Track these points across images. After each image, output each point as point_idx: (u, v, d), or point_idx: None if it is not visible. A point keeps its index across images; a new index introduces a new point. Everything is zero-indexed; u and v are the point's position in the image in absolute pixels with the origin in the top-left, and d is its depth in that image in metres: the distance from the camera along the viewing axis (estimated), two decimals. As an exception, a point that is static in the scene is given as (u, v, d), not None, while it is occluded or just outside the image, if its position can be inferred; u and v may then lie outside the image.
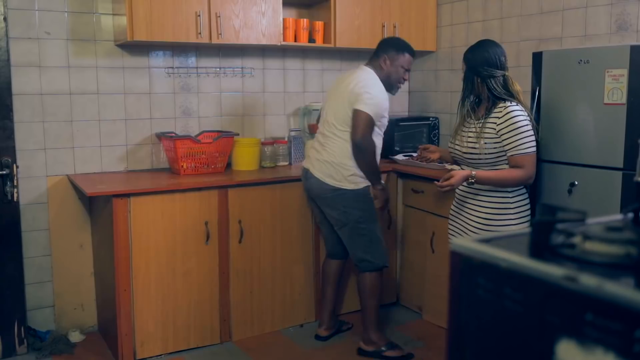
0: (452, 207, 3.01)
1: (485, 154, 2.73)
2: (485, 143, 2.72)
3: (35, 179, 3.51)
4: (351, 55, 4.48)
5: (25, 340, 3.40)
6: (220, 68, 4.02)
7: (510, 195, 2.77)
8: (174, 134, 3.75)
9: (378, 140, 3.24)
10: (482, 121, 2.75)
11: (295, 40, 4.01)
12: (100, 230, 3.48)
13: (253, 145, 3.88)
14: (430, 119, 4.38)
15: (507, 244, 1.15)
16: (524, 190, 2.82)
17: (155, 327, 3.30)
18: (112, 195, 3.13)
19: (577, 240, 1.03)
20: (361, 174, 3.20)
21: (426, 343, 3.53)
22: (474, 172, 2.73)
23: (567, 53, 2.97)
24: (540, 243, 1.04)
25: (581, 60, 2.86)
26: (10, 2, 3.35)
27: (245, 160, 3.84)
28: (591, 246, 1.01)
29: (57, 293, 3.61)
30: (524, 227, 2.70)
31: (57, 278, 3.61)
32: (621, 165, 2.71)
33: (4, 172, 3.31)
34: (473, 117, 2.81)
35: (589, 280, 0.88)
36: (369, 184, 3.25)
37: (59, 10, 3.51)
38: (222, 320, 3.49)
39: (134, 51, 3.74)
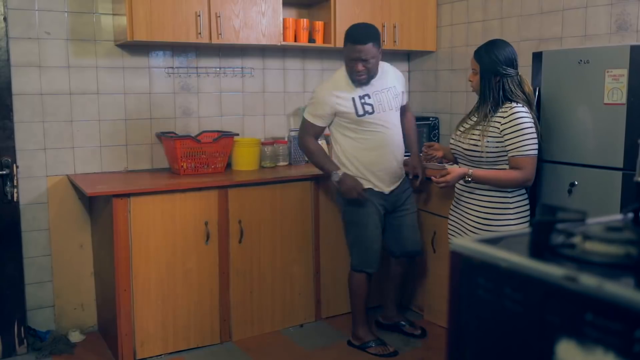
0: (452, 206, 3.01)
1: (487, 152, 2.73)
2: (488, 142, 2.72)
3: (35, 179, 3.52)
4: (351, 55, 4.48)
5: (25, 340, 3.40)
6: (220, 68, 4.02)
7: (509, 195, 2.77)
8: (174, 134, 3.75)
9: (352, 135, 3.25)
10: (488, 119, 2.74)
11: (295, 40, 4.01)
12: (100, 230, 3.48)
13: (253, 145, 3.88)
14: (430, 119, 4.38)
15: (507, 244, 1.15)
16: (523, 191, 2.83)
17: (155, 327, 3.30)
18: (112, 195, 3.13)
19: (577, 240, 1.03)
20: (350, 173, 3.27)
21: (427, 343, 3.53)
22: (470, 171, 2.74)
23: (567, 53, 2.97)
24: (540, 243, 1.04)
25: (581, 60, 2.86)
26: (10, 2, 3.35)
27: (245, 160, 3.84)
28: (591, 246, 1.01)
29: (57, 293, 3.61)
30: (524, 227, 2.71)
31: (57, 278, 3.61)
32: (621, 165, 2.71)
33: (4, 172, 3.31)
34: (478, 114, 2.80)
35: (589, 280, 0.88)
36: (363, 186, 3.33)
37: (59, 10, 3.51)
38: (222, 320, 3.49)
39: (134, 51, 3.74)
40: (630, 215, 1.18)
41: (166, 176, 3.62)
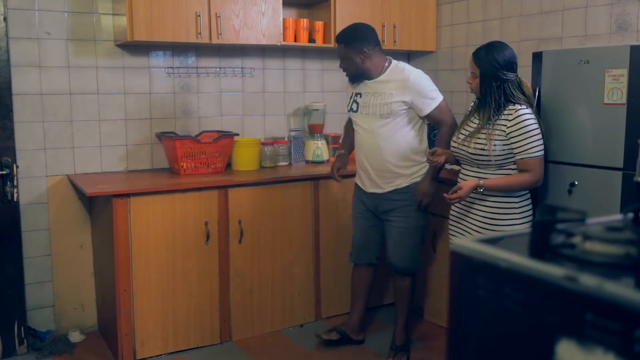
0: (454, 208, 2.99)
1: (494, 156, 2.72)
2: (495, 145, 2.71)
3: (36, 179, 3.52)
4: (351, 55, 4.48)
5: (25, 340, 3.40)
6: (220, 68, 4.02)
7: (516, 197, 2.76)
8: (174, 134, 3.75)
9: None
10: (492, 123, 2.73)
11: (295, 40, 4.01)
12: (100, 230, 3.48)
13: (253, 145, 3.88)
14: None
15: (507, 244, 1.15)
16: (527, 192, 2.82)
17: (155, 327, 3.30)
18: (112, 195, 3.13)
19: (577, 240, 1.03)
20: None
21: (427, 343, 3.53)
22: (481, 182, 2.72)
23: (567, 53, 2.97)
24: (541, 243, 1.04)
25: (581, 60, 2.86)
26: (10, 2, 3.35)
27: (245, 160, 3.84)
28: (591, 246, 1.01)
29: (57, 293, 3.61)
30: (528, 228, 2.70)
31: (57, 278, 3.61)
32: (621, 166, 2.71)
33: (4, 172, 3.31)
34: (481, 118, 2.79)
35: (589, 280, 0.88)
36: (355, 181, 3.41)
37: (59, 10, 3.51)
38: (222, 320, 3.49)
39: (134, 51, 3.74)
40: (630, 215, 1.18)
41: (166, 176, 3.62)
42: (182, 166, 3.60)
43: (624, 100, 2.68)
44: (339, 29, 3.98)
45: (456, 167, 3.15)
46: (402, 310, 3.37)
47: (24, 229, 3.46)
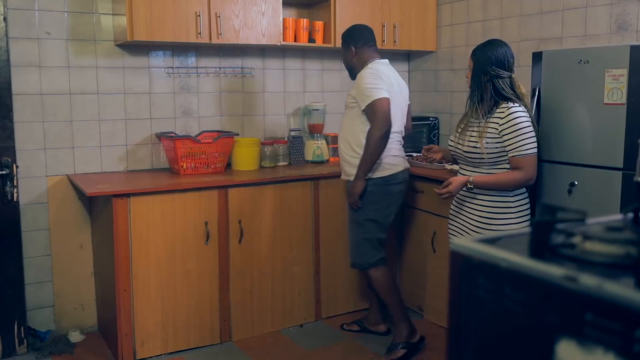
0: (452, 206, 3.01)
1: (487, 153, 2.73)
2: (487, 143, 2.72)
3: (35, 179, 3.52)
4: (351, 55, 4.48)
5: (25, 340, 3.40)
6: (220, 68, 4.02)
7: (511, 195, 2.77)
8: (173, 134, 3.75)
9: None
10: (485, 120, 2.75)
11: (295, 40, 4.01)
12: (100, 230, 3.48)
13: (253, 145, 3.88)
14: (430, 119, 4.38)
15: (507, 244, 1.15)
16: (524, 191, 2.82)
17: (155, 327, 3.30)
18: (112, 195, 3.13)
19: (577, 240, 1.03)
20: None
21: (427, 343, 3.53)
22: (471, 178, 2.76)
23: (567, 53, 2.97)
24: (540, 243, 1.04)
25: (581, 60, 2.86)
26: (10, 2, 3.35)
27: (245, 160, 3.84)
28: (591, 246, 1.01)
29: (57, 293, 3.61)
30: (525, 227, 2.71)
31: (57, 278, 3.61)
32: (621, 165, 2.71)
33: (4, 172, 3.31)
34: (475, 116, 2.81)
35: (589, 280, 0.88)
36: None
37: (59, 10, 3.51)
38: (222, 320, 3.49)
39: (134, 51, 3.74)
40: (630, 215, 1.18)
41: (166, 176, 3.62)
42: (182, 166, 3.60)
43: (623, 100, 2.68)
44: (338, 29, 4.00)
45: (456, 167, 3.16)
46: (388, 306, 3.41)
47: (23, 229, 3.46)
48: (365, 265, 3.35)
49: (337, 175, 3.72)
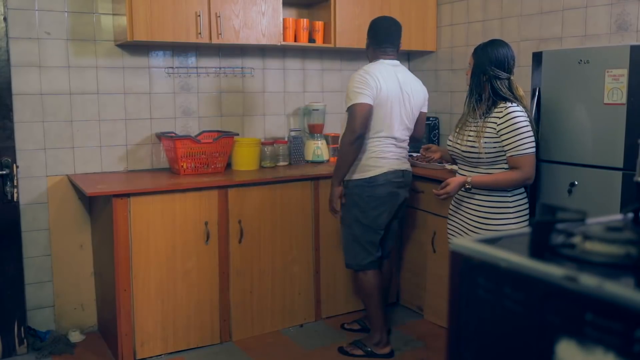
0: (451, 206, 3.01)
1: (485, 153, 2.73)
2: (485, 142, 2.72)
3: (35, 179, 3.51)
4: (351, 55, 4.48)
5: (25, 340, 3.40)
6: (220, 68, 4.02)
7: (509, 195, 2.77)
8: (174, 134, 3.75)
9: None
10: (483, 120, 2.75)
11: (295, 40, 4.01)
12: (100, 230, 3.48)
13: (253, 145, 3.88)
14: (430, 119, 4.38)
15: (508, 244, 1.15)
16: (522, 190, 2.82)
17: (155, 327, 3.30)
18: (112, 195, 3.13)
19: (577, 240, 1.03)
20: None
21: (427, 343, 3.53)
22: (469, 179, 2.76)
23: (567, 53, 2.97)
24: (540, 243, 1.04)
25: (581, 60, 2.86)
26: (10, 2, 3.35)
27: (245, 160, 3.84)
28: (591, 246, 1.01)
29: (57, 293, 3.61)
30: (523, 227, 2.71)
31: (57, 278, 3.61)
32: (621, 165, 2.71)
33: (4, 172, 3.31)
34: (473, 116, 2.81)
35: (589, 280, 0.88)
36: None
37: (59, 10, 3.51)
38: (222, 320, 3.49)
39: (134, 51, 3.74)
40: (630, 215, 1.18)
41: (166, 176, 3.62)
42: (182, 166, 3.60)
43: (623, 100, 2.69)
44: (339, 29, 4.01)
45: (455, 167, 3.16)
46: (367, 310, 3.45)
47: (23, 229, 3.46)
48: (356, 267, 3.36)
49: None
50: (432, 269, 3.76)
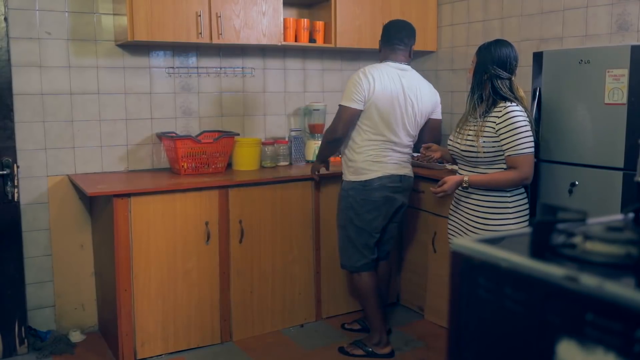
0: (451, 206, 3.01)
1: (484, 152, 2.73)
2: (484, 142, 2.72)
3: (36, 179, 3.52)
4: (352, 55, 4.48)
5: (25, 340, 3.40)
6: (220, 68, 4.02)
7: (508, 195, 2.76)
8: (174, 134, 3.75)
9: None
10: (482, 119, 2.74)
11: (295, 40, 4.01)
12: (101, 230, 3.48)
13: (254, 145, 3.88)
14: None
15: (508, 244, 1.15)
16: (522, 190, 2.82)
17: (156, 327, 3.30)
18: (113, 195, 3.13)
19: (577, 240, 1.03)
20: None
21: (427, 343, 3.53)
22: (466, 178, 2.76)
23: (567, 53, 2.97)
24: (541, 243, 1.04)
25: (582, 60, 2.86)
26: (10, 2, 3.35)
27: (245, 160, 3.84)
28: (592, 246, 1.01)
29: (57, 293, 3.61)
30: (523, 228, 2.71)
31: (58, 278, 3.61)
32: (622, 165, 2.71)
33: (5, 172, 3.31)
34: (473, 115, 2.80)
35: (589, 280, 0.88)
36: None
37: (59, 10, 3.51)
38: (222, 320, 3.49)
39: (135, 51, 3.74)
40: (631, 215, 1.18)
41: (167, 176, 3.62)
42: (182, 166, 3.60)
43: (624, 100, 2.68)
44: (339, 29, 4.01)
45: (456, 167, 3.15)
46: (364, 312, 3.49)
47: (24, 229, 3.46)
48: (351, 269, 3.37)
49: (338, 175, 3.73)
50: (432, 269, 3.76)
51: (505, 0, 3.92)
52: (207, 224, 3.38)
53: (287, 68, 4.28)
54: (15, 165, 3.35)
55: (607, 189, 2.77)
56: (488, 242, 1.11)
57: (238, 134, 3.87)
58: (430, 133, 3.42)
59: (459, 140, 2.85)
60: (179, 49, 3.86)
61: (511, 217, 2.76)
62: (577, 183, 2.90)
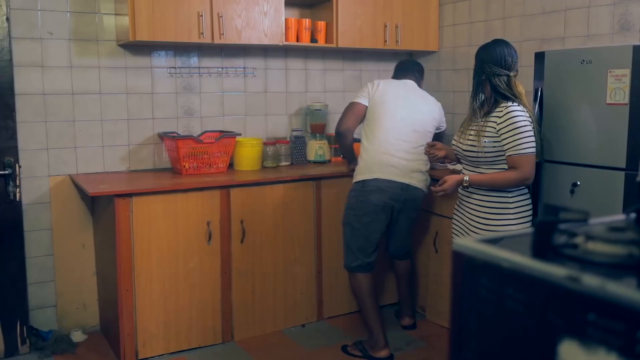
0: (455, 206, 3.01)
1: (485, 152, 2.73)
2: (485, 142, 2.72)
3: (38, 179, 3.52)
4: (353, 55, 4.48)
5: (27, 340, 3.41)
6: (222, 68, 4.02)
7: (509, 195, 2.76)
8: (176, 134, 3.75)
9: None
10: (484, 119, 2.75)
11: (297, 40, 4.01)
12: (103, 230, 3.49)
13: (255, 145, 3.88)
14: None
15: (510, 244, 1.14)
16: (525, 191, 2.82)
17: (157, 327, 3.30)
18: (115, 195, 3.13)
19: (579, 240, 1.03)
20: None
21: (429, 343, 3.53)
22: (466, 177, 2.77)
23: (569, 53, 2.96)
24: (543, 243, 1.04)
25: (584, 60, 2.86)
26: (12, 2, 3.36)
27: (247, 160, 3.84)
28: (594, 246, 1.00)
29: (59, 293, 3.61)
30: (524, 228, 2.71)
31: (60, 278, 3.61)
32: (624, 166, 2.71)
33: (7, 172, 3.31)
34: (476, 115, 2.81)
35: (591, 281, 0.88)
36: None
37: (61, 10, 3.51)
38: (224, 320, 3.50)
39: (136, 51, 3.74)
40: (633, 215, 1.18)
41: (168, 176, 3.63)
42: (184, 166, 3.60)
43: (626, 100, 2.68)
44: (341, 29, 4.01)
45: (459, 167, 3.15)
46: (361, 313, 3.51)
47: (26, 228, 3.46)
48: (347, 269, 3.41)
49: (339, 176, 3.73)
50: (434, 269, 3.76)
51: (507, 0, 3.92)
52: (208, 224, 3.38)
53: (289, 68, 4.28)
54: (17, 165, 3.35)
55: (609, 189, 2.76)
56: (490, 242, 1.11)
57: (239, 134, 3.87)
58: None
59: (461, 140, 2.85)
60: (180, 49, 3.86)
61: (512, 217, 2.76)
62: (579, 183, 2.90)
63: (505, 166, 2.74)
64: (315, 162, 4.14)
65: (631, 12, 3.19)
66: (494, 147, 2.71)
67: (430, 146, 3.24)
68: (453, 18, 4.35)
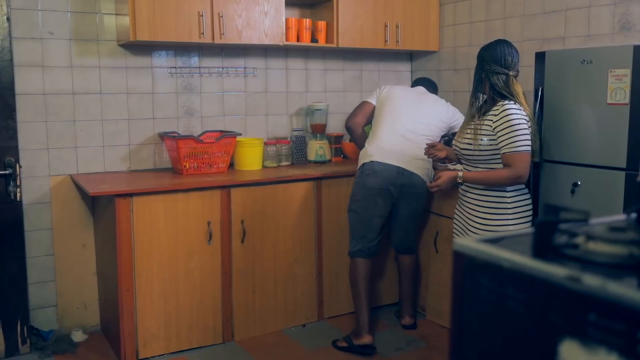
0: (457, 206, 3.02)
1: (481, 150, 2.73)
2: (482, 140, 2.72)
3: (38, 179, 3.52)
4: (354, 55, 4.48)
5: (28, 340, 3.41)
6: (222, 68, 4.02)
7: (507, 195, 2.76)
8: (176, 134, 3.75)
9: None
10: (481, 118, 2.76)
11: (297, 40, 4.01)
12: (103, 230, 3.49)
13: (256, 145, 3.88)
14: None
15: (511, 244, 1.14)
16: (524, 190, 2.82)
17: (158, 326, 3.30)
18: (115, 195, 3.13)
19: (580, 240, 1.03)
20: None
21: (429, 343, 3.53)
22: (460, 173, 2.78)
23: (570, 53, 2.96)
24: (543, 243, 1.04)
25: (584, 60, 2.86)
26: (13, 2, 3.36)
27: (247, 160, 3.84)
28: (594, 246, 1.00)
29: (59, 292, 3.62)
30: (523, 228, 2.71)
31: (60, 278, 3.61)
32: (624, 166, 2.71)
33: (7, 171, 3.32)
34: (475, 114, 2.82)
35: (592, 281, 0.88)
36: None
37: (62, 10, 3.51)
38: (224, 320, 3.50)
39: (137, 51, 3.74)
40: (634, 215, 1.18)
41: (169, 176, 3.63)
42: (184, 166, 3.60)
43: (627, 100, 2.68)
44: (341, 29, 4.01)
45: (459, 167, 3.16)
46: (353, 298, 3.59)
47: (26, 228, 3.46)
48: (349, 254, 3.52)
49: (340, 175, 3.74)
50: (434, 269, 3.76)
51: (508, 0, 3.92)
52: (209, 223, 3.38)
53: (289, 68, 4.28)
54: (17, 165, 3.35)
55: (609, 189, 2.76)
56: (490, 242, 1.11)
57: (240, 134, 3.87)
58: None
59: (460, 139, 2.86)
60: (181, 49, 3.86)
61: (510, 216, 2.76)
62: (579, 183, 2.90)
63: (501, 164, 2.75)
64: (315, 162, 4.14)
65: (632, 12, 3.19)
66: (490, 145, 2.72)
67: (430, 146, 3.24)
68: (453, 18, 4.35)
